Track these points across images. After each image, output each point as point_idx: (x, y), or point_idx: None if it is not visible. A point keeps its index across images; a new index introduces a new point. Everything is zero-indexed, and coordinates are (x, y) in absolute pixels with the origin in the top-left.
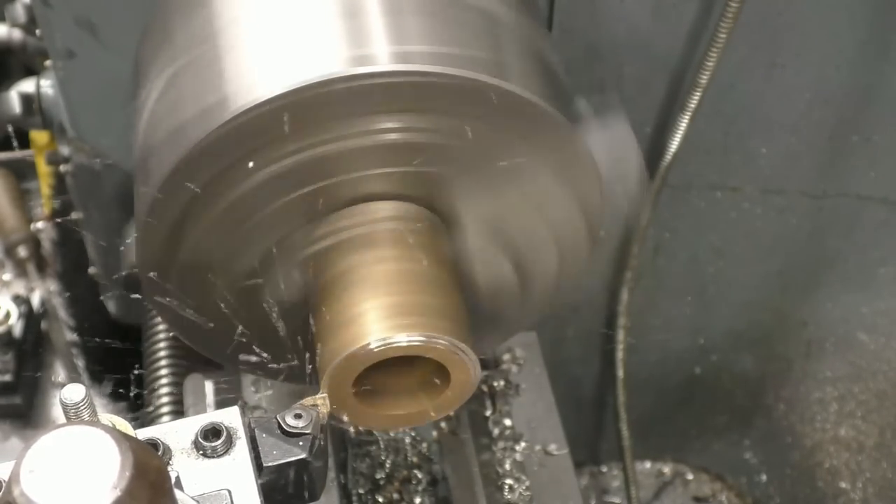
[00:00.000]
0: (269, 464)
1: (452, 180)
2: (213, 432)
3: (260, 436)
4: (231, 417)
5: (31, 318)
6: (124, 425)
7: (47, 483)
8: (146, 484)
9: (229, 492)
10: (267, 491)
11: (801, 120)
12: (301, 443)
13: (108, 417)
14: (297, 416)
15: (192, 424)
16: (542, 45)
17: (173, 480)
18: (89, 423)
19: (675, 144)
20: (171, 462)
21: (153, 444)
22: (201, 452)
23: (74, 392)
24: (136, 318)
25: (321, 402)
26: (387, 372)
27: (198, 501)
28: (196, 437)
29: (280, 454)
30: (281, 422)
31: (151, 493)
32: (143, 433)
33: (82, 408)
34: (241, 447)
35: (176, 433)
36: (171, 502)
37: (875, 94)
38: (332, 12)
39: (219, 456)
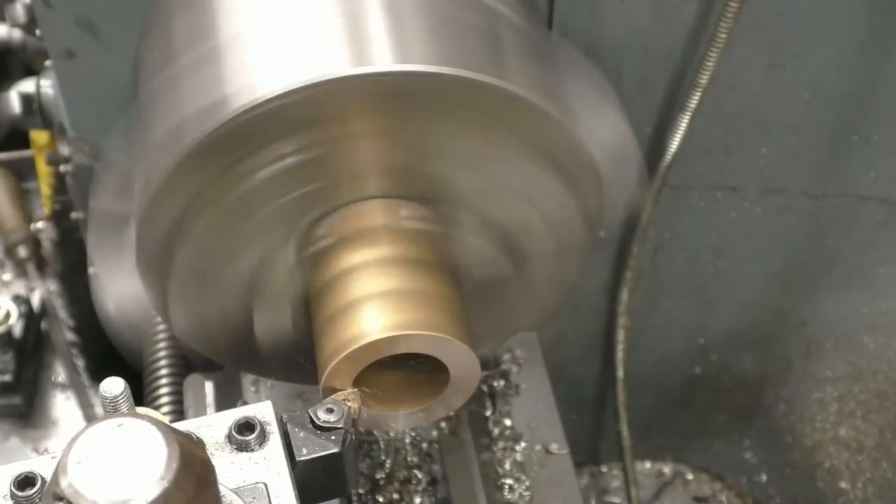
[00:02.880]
0: (302, 458)
1: (452, 180)
2: (246, 426)
3: (293, 430)
4: (264, 411)
5: (31, 318)
6: (160, 418)
7: (95, 474)
8: (192, 476)
9: (265, 485)
10: (299, 485)
11: (801, 120)
12: (333, 437)
13: (144, 411)
14: (329, 411)
15: (226, 419)
16: (541, 45)
17: None
18: (134, 415)
19: (675, 144)
20: None
21: None
22: (235, 446)
23: (114, 385)
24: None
25: (352, 397)
26: (386, 371)
27: (238, 494)
28: (230, 431)
29: (313, 448)
30: (313, 416)
31: (197, 485)
32: (177, 427)
33: (121, 401)
34: (275, 441)
35: (209, 427)
36: (216, 494)
37: (875, 94)
38: (332, 12)
39: (252, 450)
